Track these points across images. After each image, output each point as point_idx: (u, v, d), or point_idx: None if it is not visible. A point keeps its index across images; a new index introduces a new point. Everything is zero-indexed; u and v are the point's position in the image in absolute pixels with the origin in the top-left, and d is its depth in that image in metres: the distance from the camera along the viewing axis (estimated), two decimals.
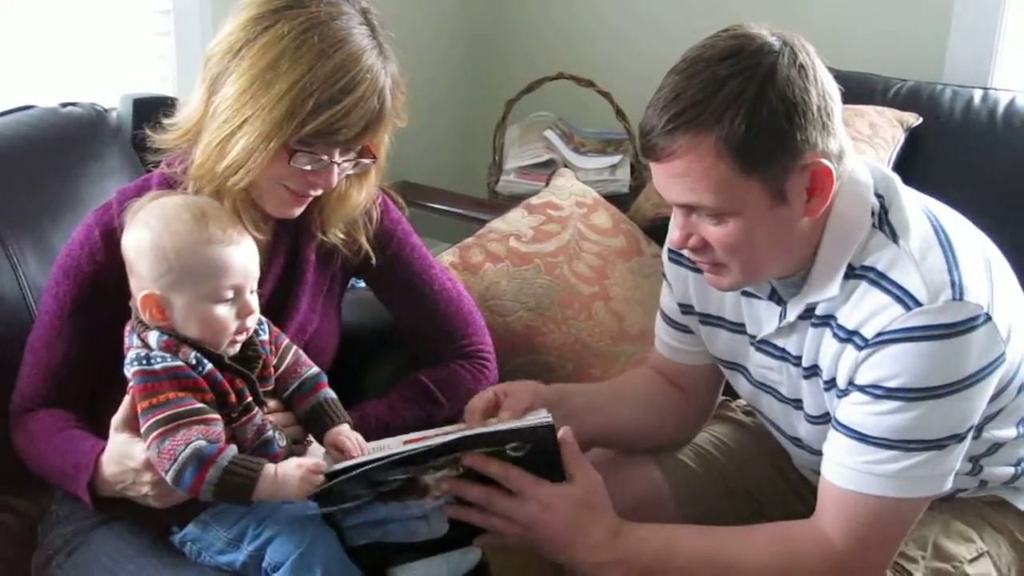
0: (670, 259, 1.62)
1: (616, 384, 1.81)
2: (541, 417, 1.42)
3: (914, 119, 2.34)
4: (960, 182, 2.21)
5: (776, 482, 1.73)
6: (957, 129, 2.33)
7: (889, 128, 2.32)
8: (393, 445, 1.42)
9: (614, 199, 2.46)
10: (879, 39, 2.62)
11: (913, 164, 2.28)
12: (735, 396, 1.77)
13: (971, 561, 1.51)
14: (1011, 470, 1.55)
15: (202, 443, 1.32)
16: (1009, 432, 1.49)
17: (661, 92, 1.32)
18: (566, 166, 2.69)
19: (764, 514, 1.69)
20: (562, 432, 1.43)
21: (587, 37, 3.03)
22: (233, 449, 1.34)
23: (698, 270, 1.50)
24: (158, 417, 1.33)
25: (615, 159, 2.79)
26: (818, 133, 1.30)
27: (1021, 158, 2.25)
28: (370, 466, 1.33)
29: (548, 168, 2.72)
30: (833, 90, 1.33)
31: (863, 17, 2.65)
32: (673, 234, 1.40)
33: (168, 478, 1.33)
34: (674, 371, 1.71)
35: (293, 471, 1.33)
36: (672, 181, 1.33)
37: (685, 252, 1.44)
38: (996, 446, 1.50)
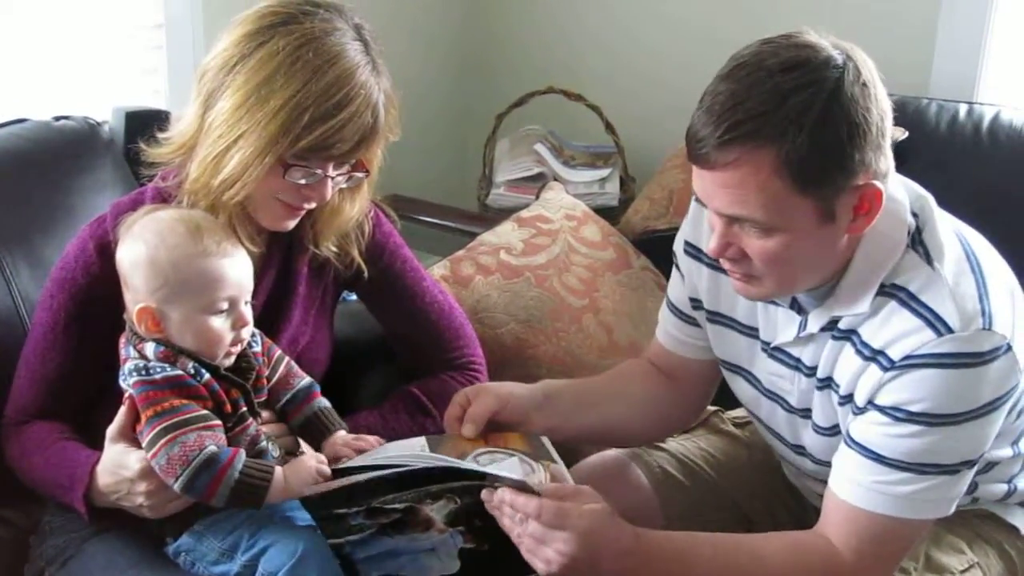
0: (686, 252, 1.58)
1: (610, 380, 1.74)
2: (511, 473, 1.32)
3: (900, 133, 2.34)
4: (945, 196, 2.18)
5: (765, 497, 1.73)
6: (942, 143, 2.33)
7: None
8: (393, 449, 1.40)
9: (603, 212, 2.46)
10: (865, 54, 2.63)
11: None
12: (727, 407, 1.77)
13: (962, 572, 1.53)
14: (1004, 487, 1.56)
15: (214, 449, 1.33)
16: (1005, 452, 1.50)
17: (716, 98, 1.26)
18: (556, 179, 2.70)
19: (752, 529, 1.68)
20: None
21: (577, 51, 3.04)
22: (243, 454, 1.35)
23: (715, 267, 1.47)
24: (165, 424, 1.33)
25: (604, 172, 2.79)
26: (873, 153, 1.26)
27: (1006, 172, 2.26)
28: (364, 475, 1.32)
29: (538, 181, 2.73)
30: (888, 108, 1.30)
31: (848, 32, 2.62)
32: (711, 242, 1.35)
33: (177, 485, 1.33)
34: (672, 364, 1.67)
35: (309, 461, 1.36)
36: (721, 191, 1.28)
37: (721, 261, 1.39)
38: (991, 464, 1.51)
